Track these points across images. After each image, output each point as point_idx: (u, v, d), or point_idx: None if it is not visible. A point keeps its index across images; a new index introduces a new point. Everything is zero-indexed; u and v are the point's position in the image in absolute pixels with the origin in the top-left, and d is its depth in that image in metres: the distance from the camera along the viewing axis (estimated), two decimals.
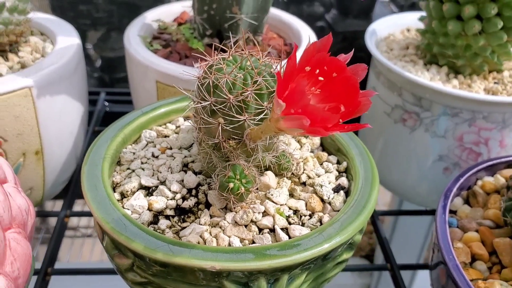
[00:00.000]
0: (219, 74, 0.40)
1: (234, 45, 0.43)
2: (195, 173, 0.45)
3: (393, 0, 1.46)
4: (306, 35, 0.72)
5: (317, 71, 0.33)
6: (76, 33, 0.68)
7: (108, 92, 0.97)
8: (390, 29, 0.79)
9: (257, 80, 0.40)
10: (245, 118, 0.40)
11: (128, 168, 0.47)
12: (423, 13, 0.70)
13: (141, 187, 0.44)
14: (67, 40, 0.66)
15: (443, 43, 0.66)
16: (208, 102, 0.40)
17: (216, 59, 0.42)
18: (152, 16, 0.75)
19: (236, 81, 0.40)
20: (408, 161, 0.70)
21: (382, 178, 0.76)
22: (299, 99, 0.30)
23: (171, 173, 0.45)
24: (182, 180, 0.44)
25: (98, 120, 0.90)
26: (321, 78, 0.33)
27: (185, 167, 0.46)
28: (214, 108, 0.40)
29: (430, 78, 0.65)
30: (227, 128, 0.40)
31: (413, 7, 1.32)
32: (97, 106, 0.93)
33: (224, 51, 0.68)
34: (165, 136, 0.51)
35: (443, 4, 0.64)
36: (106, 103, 0.97)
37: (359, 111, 0.32)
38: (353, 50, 0.34)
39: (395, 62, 0.69)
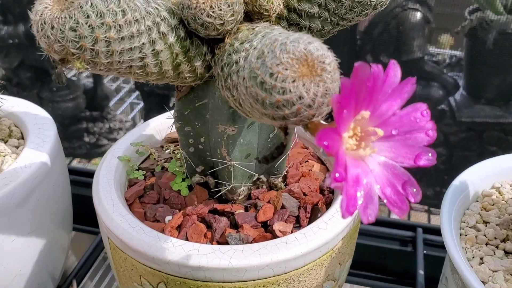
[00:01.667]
0: None
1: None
2: None
3: None
4: None
5: None
6: (53, 143, 0.54)
7: None
8: (497, 176, 0.51)
9: None
10: None
11: None
12: None
13: None
14: (32, 155, 0.52)
15: None
16: None
17: None
18: (158, 124, 0.57)
19: None
20: None
21: None
22: None
23: None
24: None
25: None
26: None
27: None
28: None
29: None
30: None
31: None
32: None
33: (219, 199, 0.48)
34: None
35: None
36: None
37: None
38: None
39: (482, 253, 0.42)
